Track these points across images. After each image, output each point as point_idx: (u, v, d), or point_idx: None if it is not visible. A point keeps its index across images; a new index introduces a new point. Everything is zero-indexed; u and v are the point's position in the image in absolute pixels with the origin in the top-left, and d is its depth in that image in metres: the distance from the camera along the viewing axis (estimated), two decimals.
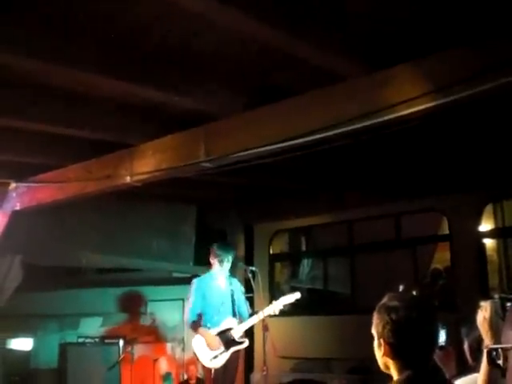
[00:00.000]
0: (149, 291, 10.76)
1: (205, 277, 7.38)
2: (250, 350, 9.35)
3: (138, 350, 9.48)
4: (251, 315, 7.22)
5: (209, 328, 7.03)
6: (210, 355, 6.94)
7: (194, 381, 9.14)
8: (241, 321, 7.20)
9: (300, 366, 9.10)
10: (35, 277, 9.22)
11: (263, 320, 7.09)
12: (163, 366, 9.78)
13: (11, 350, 10.36)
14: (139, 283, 10.78)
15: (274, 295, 9.76)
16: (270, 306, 7.12)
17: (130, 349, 8.85)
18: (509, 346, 2.56)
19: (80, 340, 9.91)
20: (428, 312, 2.49)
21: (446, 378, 2.50)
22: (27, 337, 10.54)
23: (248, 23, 3.83)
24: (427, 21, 4.00)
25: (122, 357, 8.73)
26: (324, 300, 10.21)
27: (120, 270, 10.66)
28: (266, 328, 7.05)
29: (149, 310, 10.64)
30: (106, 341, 9.68)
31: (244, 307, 7.33)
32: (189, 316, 7.11)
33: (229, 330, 7.07)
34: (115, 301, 10.83)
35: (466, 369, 3.36)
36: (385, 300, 2.49)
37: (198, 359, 7.08)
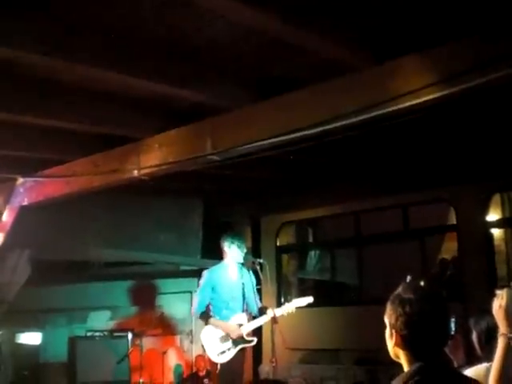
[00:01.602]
0: (157, 284, 10.79)
1: (216, 268, 7.27)
2: (258, 342, 9.38)
3: (147, 342, 9.52)
4: (260, 311, 7.19)
5: None
6: (218, 350, 6.90)
7: (203, 373, 9.16)
8: (250, 316, 7.20)
9: (308, 357, 9.13)
10: (43, 271, 9.26)
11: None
12: (172, 358, 9.82)
13: (20, 345, 10.43)
14: (147, 276, 10.81)
15: (281, 287, 9.80)
16: (282, 307, 7.09)
17: (138, 342, 8.88)
18: None
19: (89, 334, 9.96)
20: (442, 305, 2.49)
21: (455, 368, 2.51)
22: (36, 331, 10.61)
23: (254, 16, 3.82)
24: (433, 12, 3.99)
25: (130, 350, 8.76)
26: (332, 291, 10.23)
27: (128, 264, 10.69)
28: (274, 320, 7.05)
29: (157, 303, 10.67)
30: (115, 334, 9.73)
31: (254, 301, 7.27)
32: (197, 307, 7.04)
33: (239, 326, 7.07)
34: (124, 294, 10.86)
35: (474, 358, 3.37)
36: (399, 291, 2.49)
37: (205, 352, 7.06)
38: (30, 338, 10.61)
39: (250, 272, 7.31)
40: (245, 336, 6.99)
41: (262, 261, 7.47)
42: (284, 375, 8.80)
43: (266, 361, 9.00)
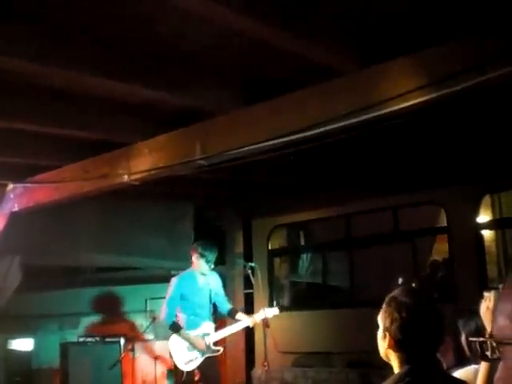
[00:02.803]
0: (148, 289, 10.77)
1: (185, 275, 7.38)
2: (250, 346, 9.39)
3: (139, 347, 9.49)
4: (230, 312, 7.38)
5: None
6: (185, 358, 7.03)
7: (197, 377, 9.14)
8: (220, 323, 7.36)
9: (301, 360, 9.13)
10: (35, 277, 9.23)
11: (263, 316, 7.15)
12: (164, 363, 9.79)
13: (12, 351, 10.39)
14: (138, 281, 10.80)
15: (273, 290, 9.80)
16: (249, 318, 7.23)
17: (130, 347, 8.85)
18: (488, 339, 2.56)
19: (81, 339, 9.93)
20: (436, 310, 2.50)
21: (445, 370, 2.52)
22: (28, 337, 10.57)
23: (243, 20, 3.82)
24: (422, 15, 4.00)
25: (123, 355, 8.74)
26: (323, 294, 10.23)
27: (119, 269, 10.67)
28: (266, 324, 7.08)
29: (148, 308, 10.65)
30: (107, 340, 9.70)
31: (224, 303, 7.46)
32: (166, 317, 7.13)
33: (206, 335, 7.14)
34: (116, 300, 10.84)
35: (463, 360, 3.38)
36: (395, 293, 2.50)
37: (172, 359, 7.14)
38: (22, 344, 10.56)
39: (216, 274, 7.38)
40: (211, 346, 7.06)
41: (253, 264, 7.55)
42: (277, 379, 8.81)
43: (258, 364, 9.00)
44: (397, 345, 2.43)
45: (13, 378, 9.46)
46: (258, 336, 8.50)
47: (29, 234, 8.04)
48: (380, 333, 2.51)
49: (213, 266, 7.25)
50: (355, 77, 4.57)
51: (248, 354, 9.42)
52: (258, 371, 9.10)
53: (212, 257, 7.20)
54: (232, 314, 7.40)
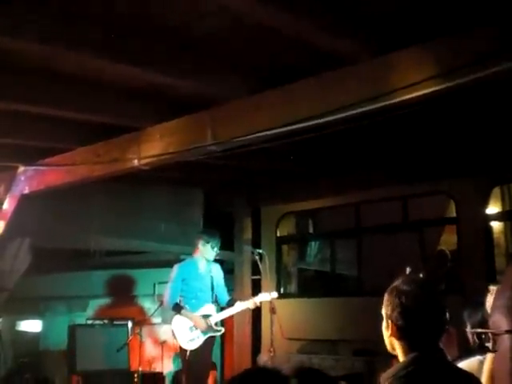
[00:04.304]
0: (156, 273, 10.81)
1: (187, 263, 7.64)
2: (257, 332, 9.43)
3: (147, 331, 9.55)
4: (229, 303, 7.49)
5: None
6: (188, 337, 7.23)
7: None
8: (220, 307, 7.52)
9: (307, 347, 9.16)
10: (44, 259, 9.29)
11: (270, 302, 7.21)
12: (171, 347, 9.85)
13: (21, 332, 10.49)
14: (147, 265, 10.84)
15: (281, 277, 9.83)
16: (249, 300, 7.38)
17: (138, 330, 8.91)
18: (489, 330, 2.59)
19: (89, 322, 10.00)
20: (437, 297, 2.51)
21: (449, 361, 2.53)
22: (36, 319, 10.65)
23: (255, 5, 3.83)
24: (433, 4, 3.99)
25: (130, 338, 8.80)
26: (331, 282, 10.24)
27: (128, 253, 10.72)
28: (273, 310, 7.14)
29: (156, 292, 10.69)
30: (115, 322, 9.76)
31: (223, 294, 7.62)
32: (169, 299, 7.37)
33: (207, 316, 7.32)
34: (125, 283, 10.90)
35: (467, 351, 3.39)
36: (397, 282, 2.51)
37: (175, 339, 7.35)
38: (31, 326, 10.66)
39: (218, 266, 7.52)
40: (213, 326, 7.25)
41: (261, 251, 7.60)
42: (282, 365, 8.84)
43: (264, 351, 9.03)
44: (399, 332, 2.45)
45: (21, 359, 9.53)
46: (265, 322, 8.54)
47: (39, 217, 8.09)
48: (384, 322, 2.53)
49: (218, 252, 7.47)
50: (366, 66, 4.57)
51: (254, 341, 9.45)
52: (263, 357, 9.13)
53: (217, 243, 7.44)
54: (231, 304, 7.50)
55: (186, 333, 7.24)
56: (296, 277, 10.55)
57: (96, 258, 10.89)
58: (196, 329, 7.23)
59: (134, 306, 10.63)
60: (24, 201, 7.65)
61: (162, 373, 9.30)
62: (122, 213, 8.98)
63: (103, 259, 11.01)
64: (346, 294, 9.51)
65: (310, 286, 10.74)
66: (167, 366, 9.62)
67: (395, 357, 2.53)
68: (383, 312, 2.53)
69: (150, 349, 9.70)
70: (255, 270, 7.94)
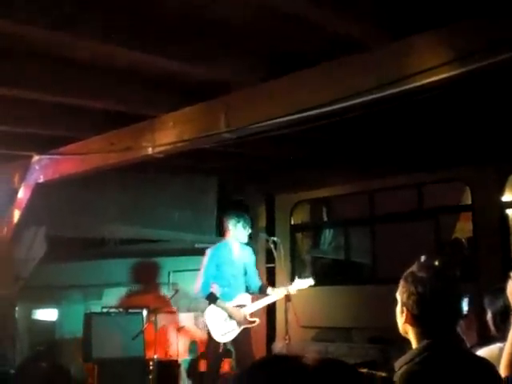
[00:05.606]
0: (171, 262, 10.83)
1: (219, 246, 7.39)
2: (272, 320, 9.43)
3: (162, 319, 9.58)
4: (261, 289, 7.32)
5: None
6: (223, 330, 7.01)
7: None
8: (255, 296, 7.30)
9: (321, 335, 9.16)
10: (59, 248, 9.32)
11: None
12: (187, 335, 9.88)
13: (36, 321, 10.54)
14: (162, 254, 10.86)
15: (295, 265, 9.82)
16: (282, 288, 7.16)
17: (153, 318, 8.93)
18: None
19: (104, 310, 10.04)
20: (454, 285, 2.49)
21: (466, 348, 2.51)
22: (52, 307, 10.71)
23: None
24: None
25: (145, 326, 8.82)
26: (345, 270, 10.22)
27: (143, 241, 10.74)
28: (288, 298, 7.10)
29: (171, 281, 10.72)
30: (130, 310, 9.79)
31: (255, 279, 7.40)
32: (202, 287, 7.10)
33: (242, 306, 7.12)
34: (139, 271, 10.92)
35: (487, 339, 3.36)
36: (413, 268, 2.50)
37: (208, 332, 7.12)
38: (46, 314, 10.71)
39: (251, 250, 7.37)
40: (248, 317, 7.05)
41: (275, 239, 7.54)
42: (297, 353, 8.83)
43: (279, 338, 9.04)
44: (414, 319, 2.44)
45: (37, 347, 9.58)
46: (280, 310, 8.53)
47: (54, 206, 8.11)
48: (398, 308, 2.51)
49: (250, 231, 7.27)
50: (382, 51, 4.52)
51: (269, 329, 9.46)
52: (278, 345, 9.14)
53: (248, 222, 7.26)
54: (263, 290, 7.35)
55: (221, 325, 7.02)
56: (310, 265, 10.54)
57: (111, 247, 10.94)
58: (231, 320, 7.03)
59: (149, 294, 10.65)
60: (39, 189, 7.66)
61: (177, 360, 9.31)
62: (136, 201, 8.98)
63: (118, 248, 11.05)
64: (360, 282, 9.49)
65: (324, 273, 10.72)
66: (183, 354, 9.64)
67: (409, 344, 2.51)
68: (398, 297, 2.51)
69: (165, 337, 9.72)
70: (269, 257, 7.93)
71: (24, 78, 5.23)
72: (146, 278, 10.90)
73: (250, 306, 7.18)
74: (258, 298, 7.39)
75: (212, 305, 7.08)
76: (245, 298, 7.22)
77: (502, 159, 7.57)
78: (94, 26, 4.30)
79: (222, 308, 7.04)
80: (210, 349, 7.26)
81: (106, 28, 4.36)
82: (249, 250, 7.39)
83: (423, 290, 2.41)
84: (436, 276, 2.45)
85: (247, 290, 7.37)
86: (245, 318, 7.07)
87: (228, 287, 7.18)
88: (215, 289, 7.16)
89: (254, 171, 9.62)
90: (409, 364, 2.36)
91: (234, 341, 7.10)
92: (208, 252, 7.31)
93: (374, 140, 7.81)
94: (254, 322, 7.19)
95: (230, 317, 7.03)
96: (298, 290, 7.15)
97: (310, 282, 7.25)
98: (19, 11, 3.98)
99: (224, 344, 7.01)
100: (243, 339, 7.08)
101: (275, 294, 7.12)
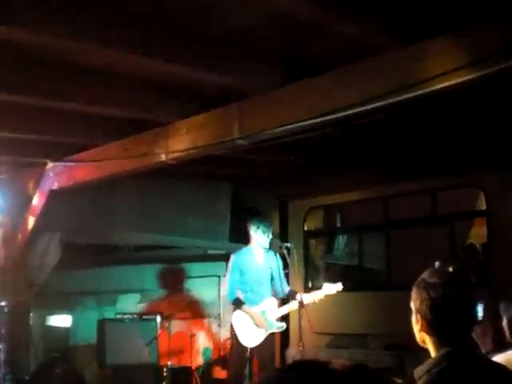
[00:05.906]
0: (185, 268, 10.85)
1: (243, 252, 7.39)
2: (286, 326, 9.42)
3: (175, 325, 9.59)
4: (289, 295, 7.27)
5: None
6: (250, 335, 7.01)
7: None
8: (280, 301, 7.25)
9: (336, 342, 9.14)
10: (74, 254, 9.35)
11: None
12: (201, 341, 9.88)
13: (51, 327, 10.57)
14: (175, 260, 10.88)
15: (308, 271, 9.80)
16: (311, 293, 7.14)
17: (167, 325, 8.94)
18: None
19: (118, 316, 10.06)
20: (467, 290, 2.47)
21: (483, 354, 2.49)
22: (66, 314, 10.74)
23: None
24: None
25: (159, 332, 8.84)
26: (359, 276, 10.20)
27: (156, 248, 10.76)
28: (301, 304, 7.08)
29: (185, 287, 10.74)
30: (144, 317, 9.81)
31: (282, 285, 7.34)
32: (229, 293, 7.16)
33: (267, 311, 7.12)
34: (152, 278, 10.93)
35: (503, 345, 3.33)
36: (425, 275, 2.48)
37: (235, 336, 7.12)
38: (60, 321, 10.75)
39: (277, 255, 7.35)
40: (274, 322, 7.05)
41: (289, 245, 7.51)
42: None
43: (293, 345, 9.02)
44: (429, 326, 2.42)
45: (51, 353, 9.61)
46: (294, 316, 8.51)
47: (68, 212, 8.14)
48: (413, 316, 2.49)
49: (271, 237, 7.26)
50: (395, 56, 4.51)
51: (283, 334, 9.44)
52: (291, 351, 9.13)
53: (267, 227, 7.25)
54: (292, 295, 7.32)
55: (247, 329, 7.03)
56: (324, 271, 10.52)
57: (125, 253, 10.96)
58: (258, 325, 7.04)
59: (163, 301, 10.67)
60: (53, 196, 7.70)
61: (191, 367, 9.32)
62: (149, 208, 9.01)
63: (132, 254, 11.07)
64: (375, 288, 9.47)
65: (338, 280, 10.68)
66: (197, 360, 9.65)
67: (425, 351, 2.49)
68: (412, 306, 2.49)
69: (179, 343, 9.73)
70: (283, 263, 7.90)
71: (38, 86, 5.26)
72: (159, 285, 10.92)
73: (276, 311, 7.17)
74: (284, 303, 7.37)
75: (238, 310, 7.11)
76: (270, 302, 7.20)
77: None
78: (107, 35, 4.31)
79: (247, 313, 7.06)
80: (235, 353, 7.24)
81: (120, 37, 4.37)
82: (274, 256, 7.37)
83: (435, 294, 2.39)
84: (449, 281, 2.44)
85: (275, 295, 7.35)
86: (271, 323, 7.07)
87: (251, 292, 7.18)
88: (239, 294, 7.19)
89: (268, 177, 9.61)
90: (429, 373, 2.34)
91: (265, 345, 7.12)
92: (232, 257, 7.36)
93: (387, 145, 7.79)
94: (281, 327, 7.22)
95: (256, 322, 7.02)
96: (326, 295, 7.11)
97: (339, 287, 7.21)
98: (33, 20, 4.00)
99: (250, 349, 7.01)
100: (258, 345, 7.07)
101: (305, 299, 7.06)
